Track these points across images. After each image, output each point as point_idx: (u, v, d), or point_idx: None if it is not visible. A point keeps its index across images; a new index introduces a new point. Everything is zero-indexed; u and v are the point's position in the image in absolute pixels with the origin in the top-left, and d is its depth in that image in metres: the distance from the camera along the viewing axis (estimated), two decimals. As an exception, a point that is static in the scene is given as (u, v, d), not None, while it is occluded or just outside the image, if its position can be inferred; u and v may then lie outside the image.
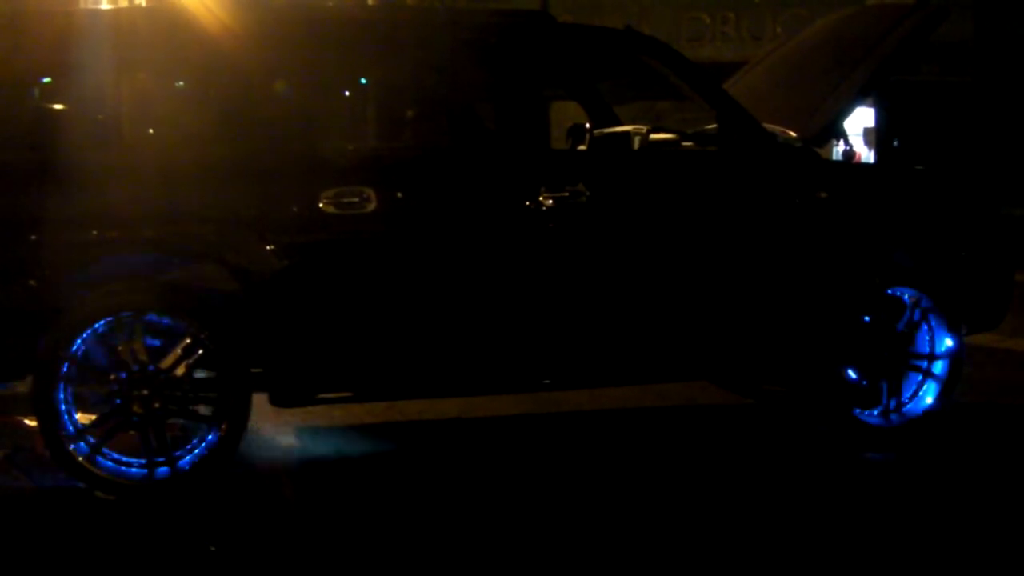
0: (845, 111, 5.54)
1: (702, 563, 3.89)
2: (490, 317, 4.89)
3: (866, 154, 17.14)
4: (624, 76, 7.20)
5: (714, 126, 5.34)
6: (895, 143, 16.34)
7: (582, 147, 5.82)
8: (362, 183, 4.68)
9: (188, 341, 4.57)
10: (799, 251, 5.24)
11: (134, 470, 4.56)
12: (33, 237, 4.44)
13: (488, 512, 4.45)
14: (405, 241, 4.78)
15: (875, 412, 5.38)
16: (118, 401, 4.52)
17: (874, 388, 5.36)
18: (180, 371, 4.57)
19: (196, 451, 4.60)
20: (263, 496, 4.72)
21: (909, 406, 5.43)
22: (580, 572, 3.83)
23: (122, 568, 3.90)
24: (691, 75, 5.33)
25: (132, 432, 4.56)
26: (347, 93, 5.82)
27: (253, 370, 4.69)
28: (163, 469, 4.55)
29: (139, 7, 10.22)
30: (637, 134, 5.57)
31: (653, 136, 5.36)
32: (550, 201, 4.85)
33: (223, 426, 4.59)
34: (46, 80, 4.83)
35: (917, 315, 5.42)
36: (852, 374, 5.33)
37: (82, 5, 11.35)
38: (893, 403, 5.39)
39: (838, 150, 6.25)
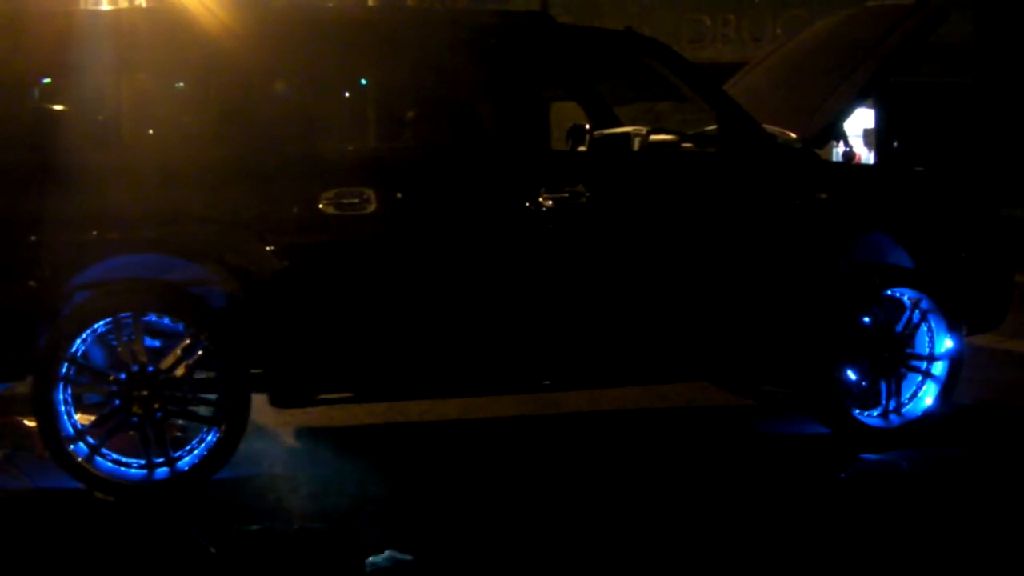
0: (845, 112, 5.54)
1: (701, 564, 3.89)
2: (490, 318, 4.89)
3: (866, 155, 17.12)
4: (624, 77, 7.21)
5: (714, 127, 5.34)
6: (895, 144, 16.32)
7: (582, 148, 5.82)
8: (362, 184, 4.69)
9: (188, 342, 4.57)
10: (799, 252, 5.23)
11: (133, 471, 4.56)
12: (33, 238, 4.44)
13: (489, 513, 4.44)
14: (405, 242, 4.78)
15: (875, 413, 5.37)
16: (117, 402, 4.52)
17: (874, 389, 5.36)
18: (180, 372, 4.57)
19: (195, 452, 4.61)
20: (263, 497, 4.72)
21: (909, 407, 5.42)
22: (580, 572, 3.82)
23: (121, 569, 3.90)
24: (691, 76, 5.34)
25: (131, 433, 4.56)
26: (347, 94, 5.82)
27: (253, 371, 4.69)
28: (162, 470, 4.55)
29: (139, 8, 10.23)
30: (637, 135, 5.57)
31: (653, 137, 5.36)
32: (550, 202, 4.85)
33: (222, 427, 4.59)
34: (46, 81, 4.83)
35: (917, 316, 5.42)
36: (852, 375, 5.33)
37: (82, 6, 11.35)
38: (893, 404, 5.39)
39: (838, 151, 6.25)
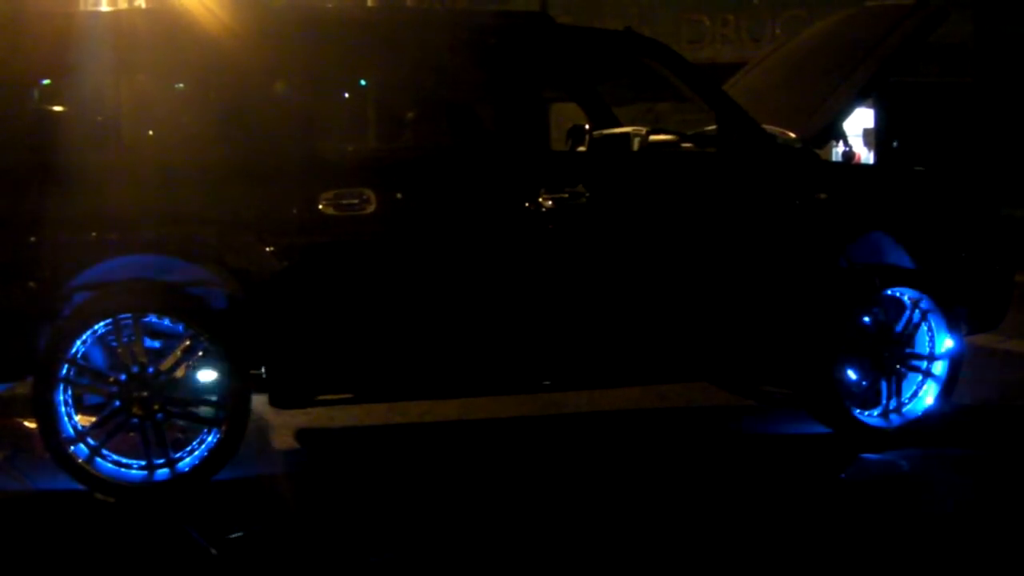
0: (845, 112, 5.54)
1: (701, 565, 3.89)
2: (490, 318, 4.89)
3: (866, 155, 17.13)
4: (624, 78, 7.21)
5: (714, 127, 5.34)
6: (895, 144, 16.31)
7: (582, 148, 5.82)
8: (361, 184, 4.69)
9: (188, 343, 4.57)
10: (799, 252, 5.23)
11: (134, 472, 4.56)
12: (33, 239, 4.44)
13: (490, 513, 4.44)
14: (405, 243, 4.78)
15: (875, 413, 5.37)
16: (118, 403, 4.52)
17: (874, 389, 5.36)
18: (180, 373, 4.57)
19: (196, 453, 4.60)
20: (264, 498, 4.72)
21: (909, 407, 5.42)
22: (580, 572, 3.82)
23: (122, 571, 3.90)
24: (691, 76, 5.33)
25: (132, 434, 4.56)
26: (347, 94, 5.83)
27: (253, 372, 4.69)
28: (163, 471, 4.55)
29: (139, 9, 10.23)
30: (637, 135, 5.57)
31: (653, 137, 5.36)
32: (550, 202, 4.85)
33: (223, 428, 4.59)
34: (46, 82, 4.83)
35: (917, 316, 5.42)
36: (852, 375, 5.33)
37: (82, 7, 11.36)
38: (893, 403, 5.38)
39: (838, 151, 6.25)
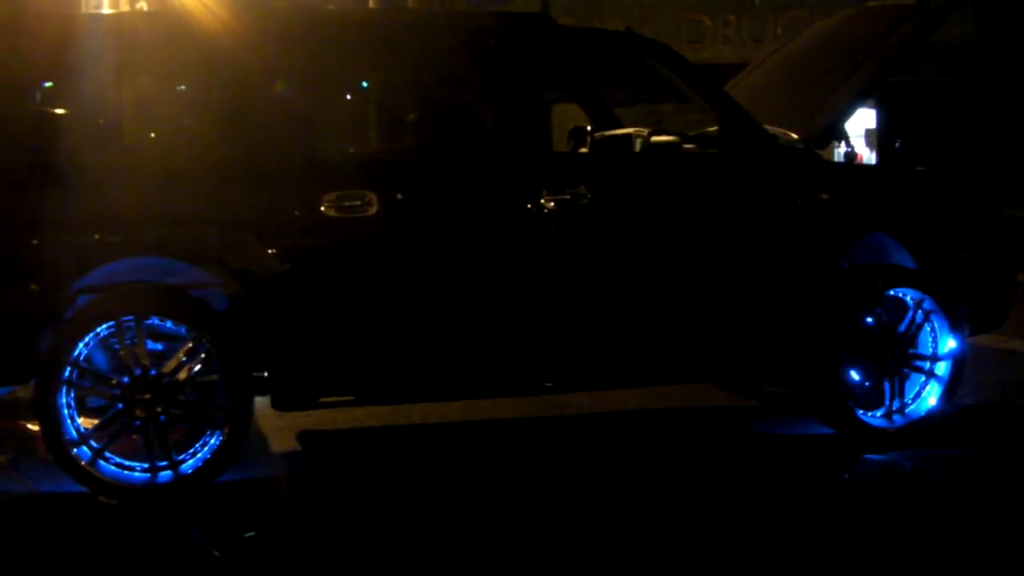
0: (846, 112, 5.53)
1: (703, 565, 3.89)
2: (493, 320, 4.89)
3: (868, 155, 17.14)
4: (625, 78, 7.21)
5: (715, 128, 5.33)
6: (897, 144, 16.32)
7: (583, 149, 5.82)
8: (363, 186, 4.69)
9: (190, 345, 4.57)
10: (801, 253, 5.23)
11: (137, 474, 4.56)
12: (35, 241, 4.44)
13: (494, 515, 4.44)
14: (407, 244, 4.78)
15: (878, 413, 5.37)
16: (120, 405, 4.52)
17: (877, 389, 5.36)
18: (182, 375, 4.57)
19: (199, 455, 4.60)
20: (266, 500, 4.72)
21: (912, 407, 5.42)
22: (582, 572, 3.82)
23: (126, 573, 3.90)
24: (692, 77, 5.33)
25: (135, 436, 4.56)
26: (348, 96, 5.83)
27: (255, 374, 4.69)
28: (166, 473, 4.55)
29: (141, 11, 10.24)
30: (638, 136, 5.57)
31: (654, 138, 5.36)
32: (552, 204, 4.85)
33: (225, 430, 4.59)
34: (48, 84, 4.83)
35: (920, 316, 5.42)
36: (855, 375, 5.32)
37: (83, 10, 11.37)
38: (896, 404, 5.38)
39: (839, 151, 6.25)
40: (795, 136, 5.38)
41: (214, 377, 4.62)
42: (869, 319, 5.33)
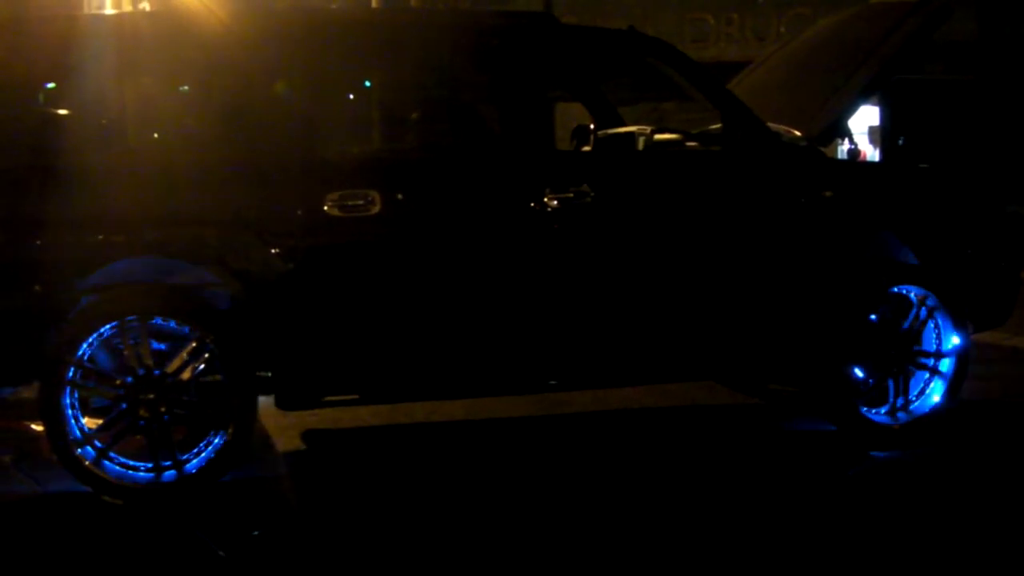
0: (849, 110, 5.53)
1: (705, 564, 3.89)
2: (496, 319, 4.89)
3: (871, 153, 17.13)
4: (628, 77, 7.21)
5: (718, 126, 5.33)
6: (900, 141, 16.31)
7: (586, 148, 5.81)
8: (366, 186, 4.69)
9: (194, 345, 4.57)
10: (804, 250, 5.23)
11: (141, 474, 4.56)
12: (38, 242, 4.44)
13: (497, 514, 4.44)
14: (410, 243, 4.78)
15: (882, 410, 5.36)
16: (124, 405, 4.52)
17: (881, 386, 5.35)
18: (186, 375, 4.57)
19: (203, 454, 4.60)
20: (271, 499, 4.72)
21: (916, 404, 5.42)
22: (585, 572, 3.82)
23: (129, 573, 3.90)
24: (695, 75, 5.33)
25: (139, 436, 4.56)
26: (351, 96, 5.83)
27: (259, 373, 4.69)
28: (170, 473, 4.55)
29: (143, 12, 10.24)
30: (641, 135, 5.56)
31: (657, 136, 5.36)
32: (555, 202, 4.85)
33: (229, 429, 4.59)
34: (51, 85, 4.83)
35: (923, 313, 5.41)
36: (859, 372, 5.32)
37: (86, 10, 11.38)
38: (900, 401, 5.38)
39: (843, 149, 6.26)
40: (798, 134, 5.38)
41: (218, 377, 4.62)
42: (873, 316, 5.33)
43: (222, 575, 3.87)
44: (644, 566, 3.85)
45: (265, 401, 4.78)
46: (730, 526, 4.25)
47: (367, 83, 5.80)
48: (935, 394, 5.42)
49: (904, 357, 5.38)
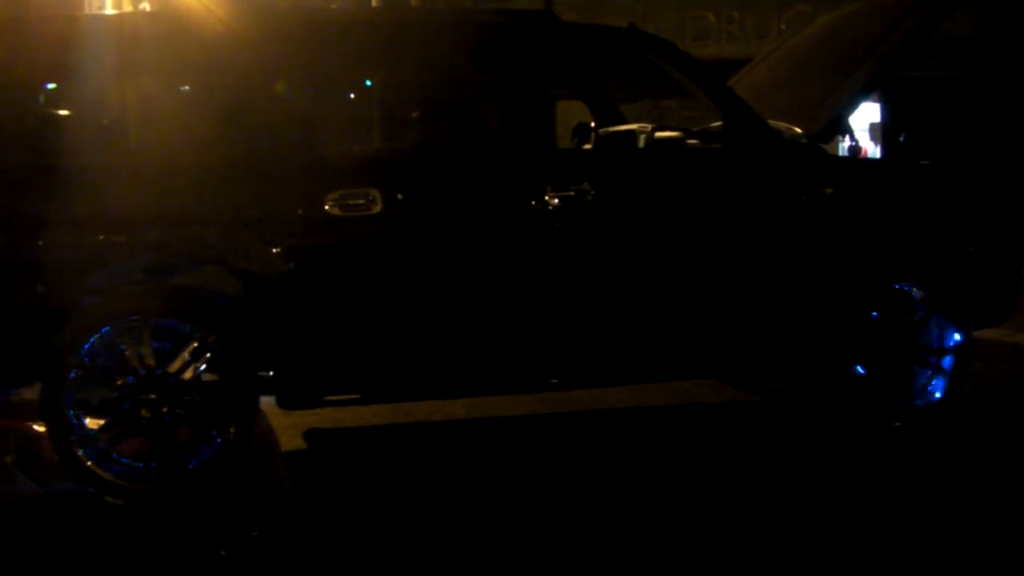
0: (850, 107, 5.52)
1: (708, 563, 3.88)
2: (498, 317, 4.89)
3: (872, 150, 17.11)
4: (629, 75, 7.20)
5: (719, 124, 5.33)
6: (901, 138, 16.29)
7: (587, 146, 5.81)
8: (367, 185, 4.68)
9: (195, 345, 4.57)
10: (806, 247, 5.22)
11: (142, 474, 4.56)
12: (40, 242, 4.44)
13: (500, 512, 4.44)
14: (411, 242, 4.78)
15: (884, 408, 5.36)
16: (126, 405, 4.52)
17: (883, 384, 5.35)
18: (187, 375, 4.57)
19: (204, 454, 4.60)
20: (272, 499, 4.72)
21: (918, 401, 5.42)
22: (587, 571, 3.82)
23: (131, 573, 3.90)
24: (695, 73, 5.33)
25: (140, 436, 4.56)
26: (351, 95, 5.82)
27: (261, 373, 4.69)
28: (171, 473, 4.55)
29: (144, 12, 10.24)
30: (642, 132, 5.55)
31: (658, 134, 5.34)
32: (556, 200, 4.85)
33: (231, 429, 4.59)
34: (51, 85, 4.83)
35: (925, 310, 5.41)
36: (860, 370, 5.32)
37: (86, 11, 11.38)
38: (902, 399, 5.38)
39: (844, 146, 6.25)
40: (799, 131, 5.37)
41: (219, 376, 4.62)
42: (875, 313, 5.33)
43: (223, 575, 3.87)
44: (646, 564, 3.85)
45: (267, 400, 4.78)
46: (732, 524, 4.25)
47: (368, 82, 5.80)
48: (937, 391, 5.42)
49: (906, 354, 5.38)
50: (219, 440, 4.60)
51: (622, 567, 3.83)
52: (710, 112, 5.45)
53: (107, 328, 4.49)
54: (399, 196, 4.76)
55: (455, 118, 5.67)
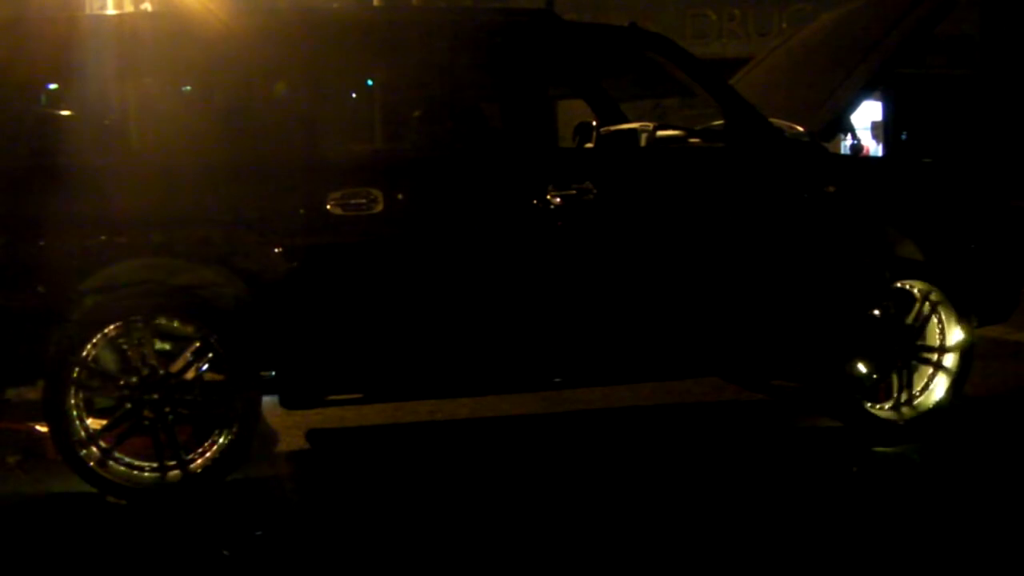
0: (852, 105, 5.52)
1: (709, 562, 3.88)
2: (500, 317, 4.89)
3: (874, 148, 17.12)
4: (630, 73, 7.20)
5: (721, 122, 5.32)
6: (903, 136, 16.30)
7: (589, 145, 5.81)
8: (369, 184, 4.69)
9: (198, 344, 4.57)
10: (808, 246, 5.22)
11: (145, 474, 4.56)
12: (43, 242, 4.45)
13: (502, 512, 4.44)
14: (413, 242, 4.78)
15: (886, 406, 5.36)
16: (129, 405, 4.52)
17: (885, 382, 5.35)
18: (190, 375, 4.57)
19: (207, 454, 4.61)
20: (275, 499, 4.73)
21: (920, 399, 5.41)
22: (590, 570, 3.82)
23: (134, 573, 3.91)
24: (697, 71, 5.32)
25: (143, 436, 4.56)
26: (353, 95, 5.82)
27: (263, 373, 4.69)
28: (174, 473, 4.56)
29: (145, 12, 10.24)
30: (644, 131, 5.55)
31: (660, 133, 5.34)
32: (558, 199, 4.85)
33: (234, 429, 4.59)
34: (52, 85, 4.83)
35: (927, 308, 5.41)
36: (862, 368, 5.31)
37: (87, 11, 11.38)
38: (904, 397, 5.38)
39: (846, 144, 6.24)
40: (801, 129, 5.37)
41: (222, 376, 4.62)
42: (876, 311, 5.33)
43: (226, 575, 3.87)
44: (649, 563, 3.85)
45: (270, 400, 4.78)
46: (735, 522, 4.25)
47: (369, 82, 5.80)
48: (939, 390, 5.41)
49: (908, 352, 5.38)
50: (222, 440, 4.60)
51: (623, 567, 3.82)
52: (712, 111, 5.44)
53: (110, 328, 4.49)
54: (401, 196, 4.76)
55: (456, 117, 5.67)
